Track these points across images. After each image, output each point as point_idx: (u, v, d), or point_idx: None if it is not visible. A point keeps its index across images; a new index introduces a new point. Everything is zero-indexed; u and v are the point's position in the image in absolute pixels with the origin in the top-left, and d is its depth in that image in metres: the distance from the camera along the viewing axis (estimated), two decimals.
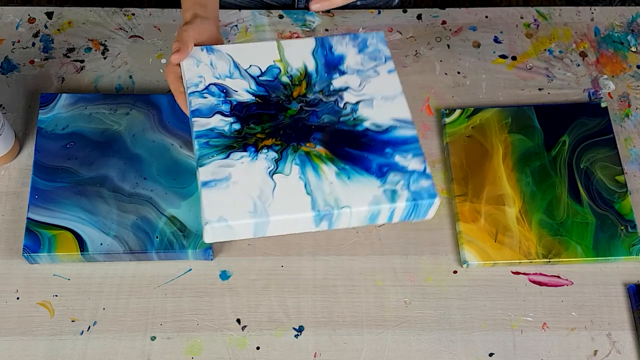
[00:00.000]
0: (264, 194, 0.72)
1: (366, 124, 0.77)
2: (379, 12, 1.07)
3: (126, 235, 0.87)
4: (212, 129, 0.75)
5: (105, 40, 1.03)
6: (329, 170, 0.74)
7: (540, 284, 0.91)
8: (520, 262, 0.90)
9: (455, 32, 1.06)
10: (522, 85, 1.03)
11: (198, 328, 0.86)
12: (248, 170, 0.73)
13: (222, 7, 1.10)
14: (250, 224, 0.71)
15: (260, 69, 0.81)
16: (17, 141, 0.94)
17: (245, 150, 0.74)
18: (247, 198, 0.71)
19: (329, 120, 0.77)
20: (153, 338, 0.86)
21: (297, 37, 1.04)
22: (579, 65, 1.05)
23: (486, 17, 1.08)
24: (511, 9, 1.09)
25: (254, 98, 0.78)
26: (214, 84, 0.79)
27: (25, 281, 0.88)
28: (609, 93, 1.03)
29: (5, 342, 0.85)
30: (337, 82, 0.81)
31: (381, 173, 0.75)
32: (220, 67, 0.80)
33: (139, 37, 1.04)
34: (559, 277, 0.91)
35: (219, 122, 0.76)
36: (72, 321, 0.86)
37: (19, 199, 0.92)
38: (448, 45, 1.05)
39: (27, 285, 0.88)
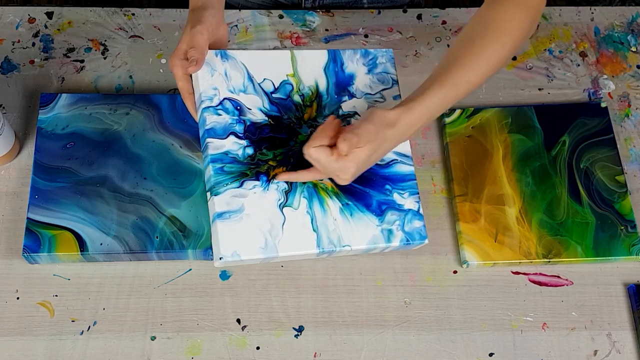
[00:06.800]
0: (274, 228, 0.75)
1: None
2: (379, 12, 1.07)
3: (126, 235, 0.87)
4: (226, 153, 0.77)
5: (105, 40, 1.03)
6: (333, 205, 0.78)
7: (540, 284, 0.91)
8: (520, 262, 0.90)
9: (455, 32, 1.06)
10: (522, 85, 1.03)
11: (198, 328, 0.86)
12: (260, 201, 0.76)
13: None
14: (260, 258, 0.75)
15: (273, 84, 0.81)
16: (17, 141, 0.94)
17: (258, 179, 0.77)
18: (259, 233, 0.75)
19: None
20: (153, 338, 0.86)
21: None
22: (579, 65, 1.05)
23: None
24: None
25: (267, 119, 0.79)
26: (228, 99, 0.79)
27: (25, 281, 0.88)
28: (609, 93, 1.03)
29: (5, 342, 0.85)
30: (346, 105, 0.83)
31: (380, 211, 0.80)
32: (234, 79, 0.80)
33: (139, 37, 1.04)
34: (559, 277, 0.91)
35: (233, 145, 0.77)
36: (72, 321, 0.86)
37: (19, 199, 0.92)
38: (448, 45, 1.05)
39: (27, 285, 0.88)
